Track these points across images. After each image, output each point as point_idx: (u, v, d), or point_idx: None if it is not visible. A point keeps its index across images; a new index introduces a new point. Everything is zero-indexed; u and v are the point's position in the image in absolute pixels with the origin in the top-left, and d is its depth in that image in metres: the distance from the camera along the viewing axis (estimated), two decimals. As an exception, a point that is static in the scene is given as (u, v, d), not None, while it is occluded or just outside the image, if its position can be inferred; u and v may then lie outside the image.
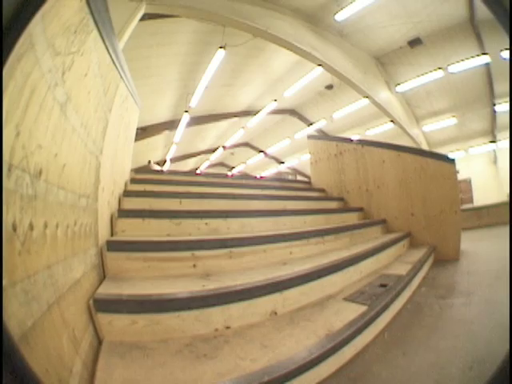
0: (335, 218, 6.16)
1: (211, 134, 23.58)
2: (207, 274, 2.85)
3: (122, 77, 3.49)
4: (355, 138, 24.06)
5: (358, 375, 2.28)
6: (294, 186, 8.18)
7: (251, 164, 30.56)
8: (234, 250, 3.14)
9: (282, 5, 12.96)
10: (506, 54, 16.49)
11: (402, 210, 6.89)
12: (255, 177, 8.91)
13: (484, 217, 12.30)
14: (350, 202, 7.54)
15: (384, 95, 18.62)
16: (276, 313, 2.59)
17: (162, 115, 18.11)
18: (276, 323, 2.48)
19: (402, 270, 4.38)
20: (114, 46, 2.92)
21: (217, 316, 2.33)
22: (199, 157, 27.38)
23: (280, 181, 8.68)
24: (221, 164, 31.29)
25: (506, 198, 21.11)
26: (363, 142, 7.76)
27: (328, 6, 13.51)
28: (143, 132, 16.92)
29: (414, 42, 17.36)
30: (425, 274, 5.26)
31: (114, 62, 2.99)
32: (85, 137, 2.17)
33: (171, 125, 18.98)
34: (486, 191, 23.27)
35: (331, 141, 8.44)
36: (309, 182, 8.61)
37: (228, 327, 2.35)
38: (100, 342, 2.05)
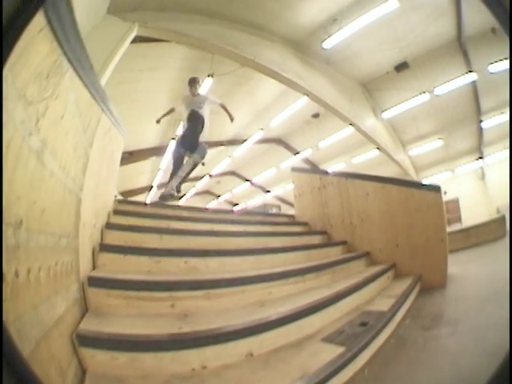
0: (318, 253, 6.07)
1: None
2: (185, 315, 2.85)
3: (103, 110, 3.53)
4: (341, 166, 24.25)
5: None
6: (277, 220, 8.15)
7: (237, 193, 30.69)
8: (211, 291, 3.16)
9: (271, 32, 13.23)
10: (494, 68, 16.83)
11: (386, 241, 6.83)
12: (238, 211, 8.88)
13: (472, 237, 12.29)
14: (333, 236, 7.45)
15: (370, 122, 18.85)
16: (252, 354, 2.60)
17: (149, 140, 18.22)
18: (252, 364, 2.48)
19: (384, 305, 4.28)
20: (94, 81, 2.95)
21: (193, 357, 2.35)
22: (185, 184, 27.16)
23: (263, 215, 8.64)
24: (207, 192, 31.34)
25: (494, 211, 21.87)
26: (347, 175, 7.80)
27: (316, 34, 13.74)
28: (130, 156, 16.92)
29: (401, 67, 17.75)
30: (410, 304, 5.15)
31: (94, 97, 3.03)
32: (64, 177, 2.20)
33: (158, 151, 19.07)
34: (475, 208, 23.71)
35: (315, 174, 8.56)
36: (292, 216, 8.59)
37: (204, 367, 2.35)
38: (84, 372, 2.09)
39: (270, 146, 23.58)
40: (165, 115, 8.12)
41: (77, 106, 2.45)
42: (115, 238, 3.91)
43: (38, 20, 1.63)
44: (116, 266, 3.37)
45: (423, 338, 3.67)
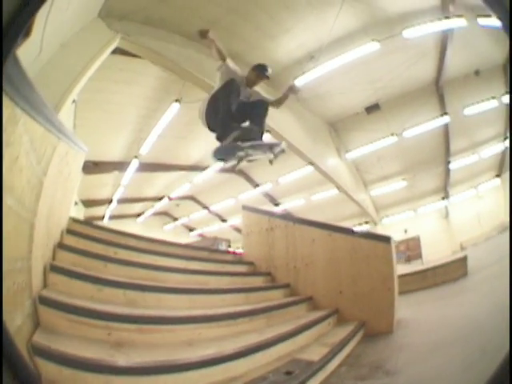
0: (258, 295, 6.14)
1: (159, 182, 23.58)
2: (118, 344, 3.03)
3: (60, 138, 3.72)
4: (300, 202, 24.30)
5: None
6: (222, 258, 8.10)
7: (195, 218, 30.54)
8: (143, 326, 3.33)
9: (246, 63, 12.55)
10: (469, 111, 17.39)
11: (329, 287, 6.87)
12: (185, 244, 8.89)
13: (429, 278, 12.39)
14: (277, 278, 7.49)
15: (332, 162, 18.90)
16: None
17: (114, 154, 17.99)
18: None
19: (316, 354, 4.24)
20: (48, 115, 3.12)
21: (123, 383, 2.59)
22: (146, 203, 27.16)
23: (210, 251, 8.63)
24: (165, 213, 30.99)
25: (458, 248, 22.79)
26: (295, 220, 7.94)
27: (291, 69, 13.64)
28: (95, 167, 16.71)
29: (372, 108, 17.84)
30: (350, 351, 5.09)
31: (49, 130, 3.20)
32: (19, 209, 2.42)
33: (121, 166, 18.85)
34: (438, 245, 24.03)
35: (264, 215, 8.58)
36: (239, 254, 8.63)
37: (133, 394, 2.58)
38: (40, 376, 2.33)
39: (231, 176, 23.49)
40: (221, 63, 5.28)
41: (31, 143, 2.65)
42: (65, 258, 4.10)
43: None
44: (64, 288, 3.55)
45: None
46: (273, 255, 7.77)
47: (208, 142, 18.21)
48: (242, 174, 23.64)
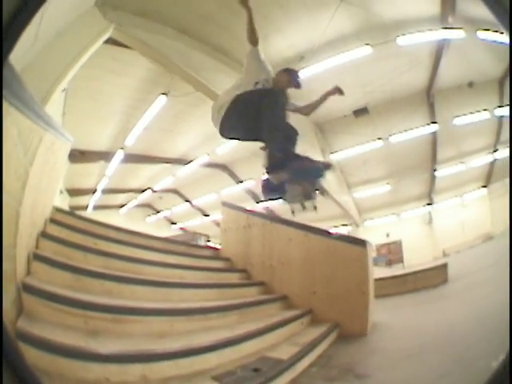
0: (232, 292, 6.28)
1: (144, 174, 23.57)
2: (94, 332, 3.16)
3: (46, 129, 3.83)
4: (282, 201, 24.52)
5: None
6: (200, 253, 8.06)
7: (177, 211, 30.49)
8: (117, 316, 3.44)
9: (235, 59, 12.77)
10: (459, 121, 17.76)
11: (304, 287, 6.93)
12: (165, 238, 8.85)
13: (409, 282, 12.36)
14: (253, 275, 7.57)
15: None
16: (146, 377, 2.92)
17: (101, 143, 17.95)
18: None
19: (286, 353, 4.33)
20: (35, 108, 3.24)
21: (97, 368, 2.75)
22: (129, 194, 27.10)
23: (188, 246, 8.60)
24: (148, 206, 30.86)
25: (440, 254, 23.24)
26: (272, 219, 8.09)
27: (279, 69, 13.51)
28: (81, 156, 16.63)
29: (360, 112, 17.84)
30: (322, 351, 5.13)
31: (35, 122, 3.30)
32: (6, 198, 2.54)
33: (107, 156, 18.81)
34: (420, 250, 24.37)
35: (243, 212, 8.67)
36: (217, 249, 8.67)
37: (107, 379, 2.73)
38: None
39: (215, 171, 23.58)
40: None
41: (18, 135, 2.77)
42: (48, 247, 4.22)
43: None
44: (46, 276, 3.67)
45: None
46: (249, 252, 7.85)
47: (196, 136, 18.15)
48: (226, 169, 23.67)
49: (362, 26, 12.50)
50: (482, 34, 12.20)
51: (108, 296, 3.92)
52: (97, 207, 25.65)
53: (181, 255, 6.82)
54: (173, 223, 33.78)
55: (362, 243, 6.92)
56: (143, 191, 26.38)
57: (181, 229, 32.42)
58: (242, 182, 24.11)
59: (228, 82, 12.34)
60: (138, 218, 29.64)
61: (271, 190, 4.26)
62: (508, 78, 15.85)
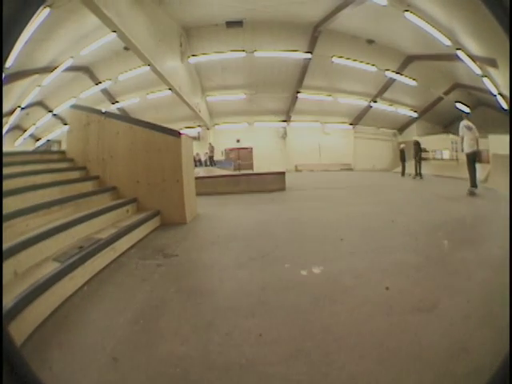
0: (71, 187, 6.64)
1: (14, 93, 22.27)
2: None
3: None
4: (136, 101, 24.36)
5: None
6: (47, 158, 8.35)
7: (41, 126, 29.33)
8: None
9: None
10: (337, 60, 19.51)
11: (129, 178, 7.50)
12: (21, 151, 8.79)
13: (242, 183, 13.46)
14: (91, 171, 7.94)
15: (171, 64, 18.81)
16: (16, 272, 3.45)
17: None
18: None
19: (106, 234, 5.08)
20: None
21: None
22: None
23: (40, 153, 9.01)
24: (17, 128, 29.39)
25: (293, 168, 25.82)
26: (106, 114, 8.36)
27: None
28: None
29: (234, 24, 18.17)
30: (143, 236, 6.07)
31: None
32: None
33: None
34: (274, 160, 25.94)
35: (83, 111, 8.65)
36: (64, 152, 8.84)
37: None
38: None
39: (77, 74, 23.05)
40: None
41: None
42: None
43: None
44: None
45: (136, 265, 4.59)
46: (88, 150, 8.14)
47: (64, 40, 17.26)
48: (88, 71, 23.30)
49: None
50: (409, 16, 12.96)
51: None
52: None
53: (33, 163, 7.22)
54: (38, 139, 32.28)
55: (175, 133, 7.56)
56: (12, 112, 24.94)
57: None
58: (100, 82, 23.98)
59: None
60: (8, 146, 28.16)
61: None
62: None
